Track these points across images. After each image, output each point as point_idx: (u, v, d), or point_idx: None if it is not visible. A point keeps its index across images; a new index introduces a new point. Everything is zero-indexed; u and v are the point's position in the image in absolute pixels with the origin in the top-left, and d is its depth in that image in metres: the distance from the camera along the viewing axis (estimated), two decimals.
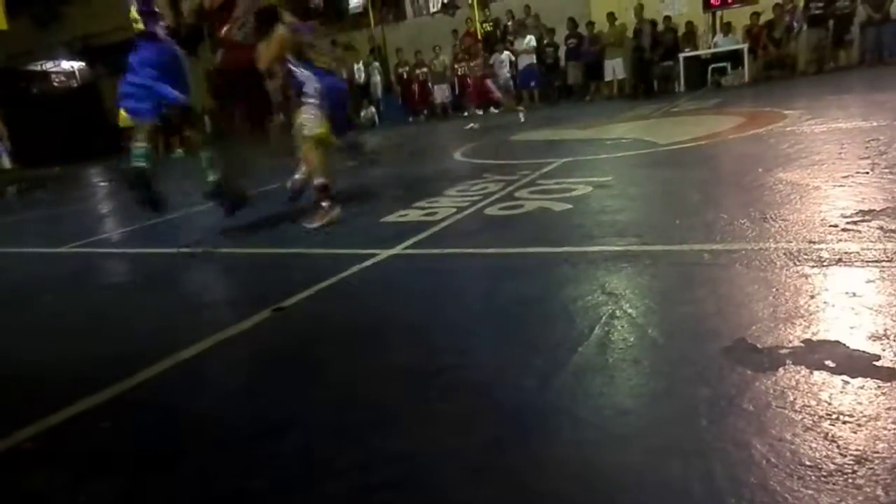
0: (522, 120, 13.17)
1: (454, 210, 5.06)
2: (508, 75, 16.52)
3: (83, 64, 22.60)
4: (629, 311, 2.55)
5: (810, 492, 1.38)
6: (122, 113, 4.94)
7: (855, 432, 1.57)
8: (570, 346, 2.30)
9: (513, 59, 17.68)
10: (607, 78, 18.32)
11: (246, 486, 1.74)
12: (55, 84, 23.02)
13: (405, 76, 20.77)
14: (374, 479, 1.70)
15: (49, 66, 22.56)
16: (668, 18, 17.65)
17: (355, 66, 20.33)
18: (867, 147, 5.29)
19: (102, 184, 9.95)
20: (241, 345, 2.84)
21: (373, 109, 20.67)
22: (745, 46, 16.28)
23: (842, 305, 2.34)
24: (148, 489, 1.83)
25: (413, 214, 5.08)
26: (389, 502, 1.62)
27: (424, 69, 20.35)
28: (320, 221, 5.04)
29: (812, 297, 2.45)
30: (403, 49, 20.93)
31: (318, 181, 5.18)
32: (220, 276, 4.37)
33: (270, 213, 5.87)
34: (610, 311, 2.56)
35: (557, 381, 2.07)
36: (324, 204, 5.12)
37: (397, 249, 4.05)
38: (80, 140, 20.39)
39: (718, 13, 17.11)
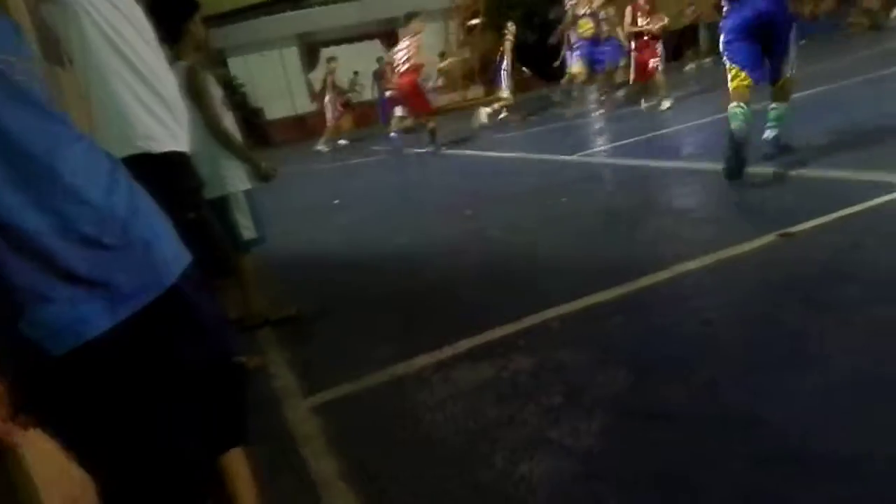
0: None
1: None
2: None
3: None
4: None
5: None
6: None
7: None
8: None
9: None
10: None
11: (760, 416, 1.67)
12: (565, 9, 25.36)
13: None
14: None
15: None
16: None
17: None
18: None
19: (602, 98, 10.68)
20: (746, 266, 2.71)
21: None
22: None
23: None
24: (654, 387, 1.93)
25: None
26: None
27: None
28: None
29: None
30: None
31: None
32: (715, 193, 4.22)
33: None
34: None
35: None
36: None
37: None
38: None
39: None
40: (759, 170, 4.15)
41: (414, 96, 9.04)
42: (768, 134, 4.37)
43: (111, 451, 1.05)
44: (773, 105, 4.35)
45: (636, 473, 1.57)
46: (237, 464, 1.34)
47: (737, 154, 3.93)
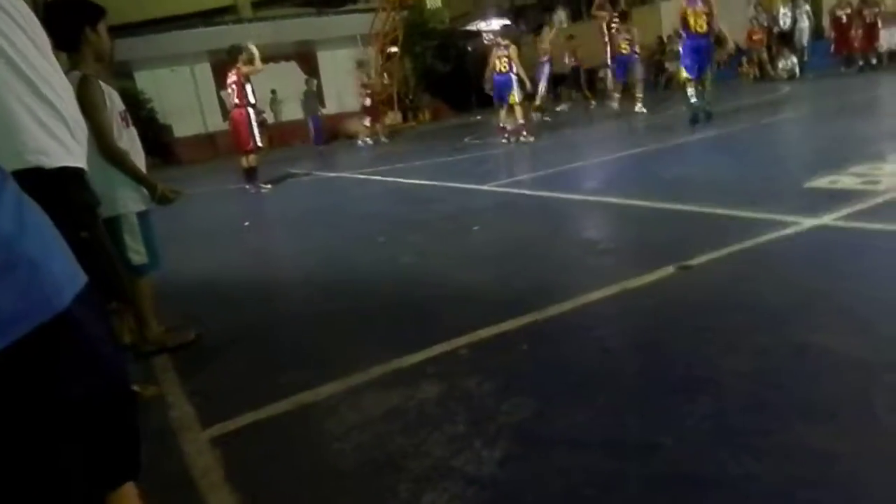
0: None
1: None
2: None
3: (508, 22, 25.06)
4: None
5: None
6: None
7: None
8: None
9: None
10: None
11: (656, 440, 1.74)
12: (485, 42, 26.08)
13: (844, 18, 17.58)
14: (798, 471, 1.53)
15: (482, 25, 25.61)
16: None
17: (781, 11, 17.98)
18: None
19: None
20: (646, 297, 2.83)
21: (794, 59, 18.12)
22: None
23: None
24: (557, 414, 1.98)
25: (847, 181, 4.33)
26: (815, 502, 1.43)
27: (875, 9, 16.83)
28: None
29: None
30: None
31: None
32: (621, 226, 4.43)
33: (666, 168, 5.71)
34: None
35: None
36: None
37: (825, 220, 3.52)
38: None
39: None
40: (660, 204, 4.39)
41: (237, 131, 8.79)
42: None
43: None
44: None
45: (538, 500, 1.59)
46: (127, 500, 1.25)
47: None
